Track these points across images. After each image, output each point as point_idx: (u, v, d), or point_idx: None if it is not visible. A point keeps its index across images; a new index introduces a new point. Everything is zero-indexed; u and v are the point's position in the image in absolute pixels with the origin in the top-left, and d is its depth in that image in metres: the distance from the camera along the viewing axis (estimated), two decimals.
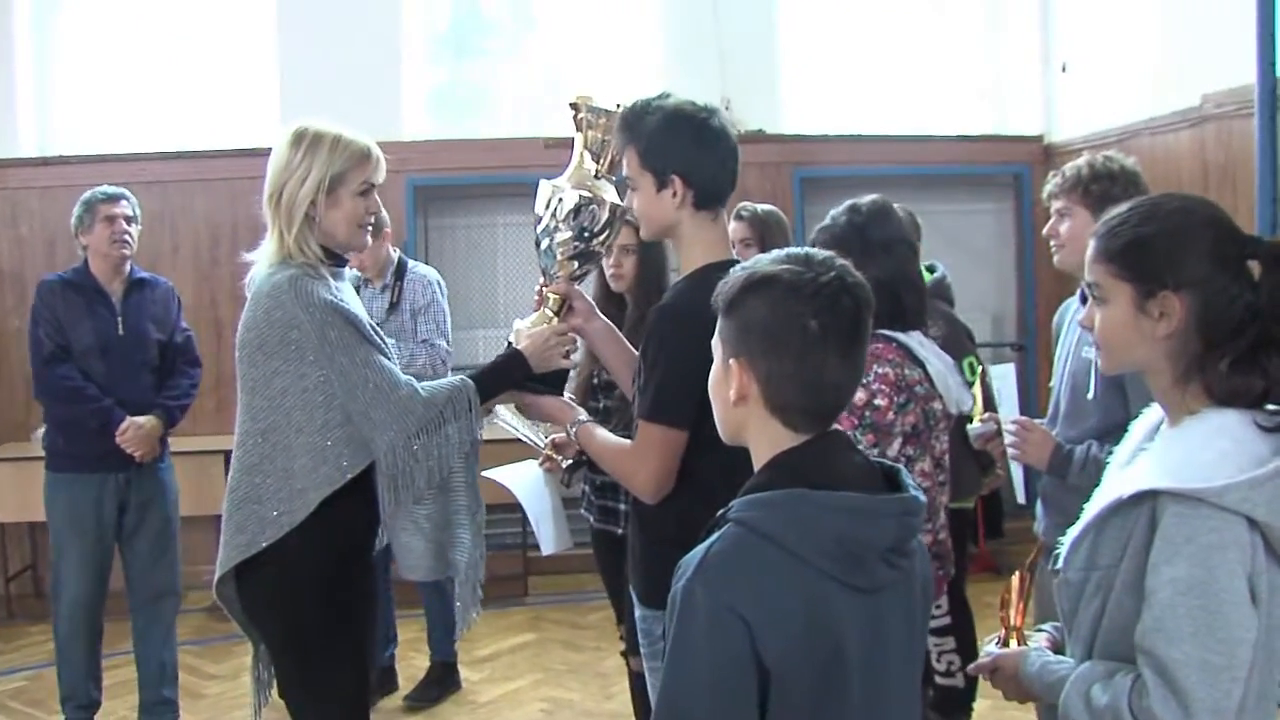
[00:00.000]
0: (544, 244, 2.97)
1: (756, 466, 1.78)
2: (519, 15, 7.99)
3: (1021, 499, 3.49)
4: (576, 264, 2.98)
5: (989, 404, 3.41)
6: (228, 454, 6.77)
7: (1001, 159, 7.81)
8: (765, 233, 4.56)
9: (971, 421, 3.37)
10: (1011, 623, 2.16)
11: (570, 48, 7.76)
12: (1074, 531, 1.90)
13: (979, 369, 4.19)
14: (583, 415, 2.87)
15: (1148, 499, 1.77)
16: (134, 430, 4.65)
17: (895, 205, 4.46)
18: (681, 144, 2.63)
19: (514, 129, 7.56)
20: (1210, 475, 1.72)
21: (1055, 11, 7.62)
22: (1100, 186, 3.14)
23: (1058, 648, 2.06)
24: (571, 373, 3.10)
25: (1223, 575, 1.69)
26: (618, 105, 2.81)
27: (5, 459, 6.63)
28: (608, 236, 3.00)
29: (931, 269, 4.56)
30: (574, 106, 2.98)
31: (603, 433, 2.79)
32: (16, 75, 7.35)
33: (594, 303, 4.14)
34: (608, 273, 4.07)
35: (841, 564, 1.64)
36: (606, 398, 4.01)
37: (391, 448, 2.82)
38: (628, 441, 2.67)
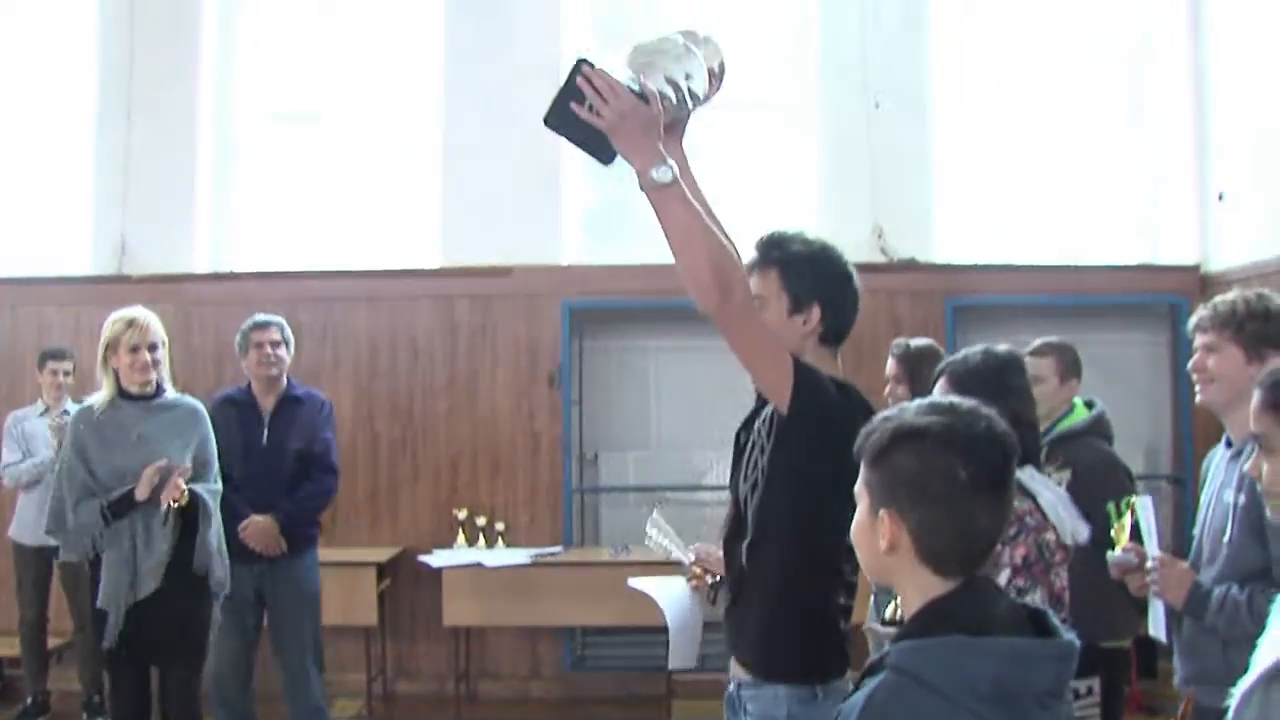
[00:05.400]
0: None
1: (906, 613, 1.79)
2: None
3: (1162, 636, 3.36)
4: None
5: (1135, 537, 3.34)
6: (379, 566, 6.94)
7: (1157, 289, 7.65)
8: (915, 369, 4.51)
9: (1113, 549, 3.31)
10: None
11: (724, 179, 7.87)
12: (1245, 684, 1.81)
13: (1130, 502, 4.10)
14: None
15: None
16: (253, 527, 5.30)
17: (1061, 339, 4.56)
18: (831, 276, 2.75)
19: (666, 255, 7.60)
20: None
21: (1212, 139, 7.48)
22: (1255, 326, 3.08)
23: None
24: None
25: None
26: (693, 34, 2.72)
27: None
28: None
29: (1090, 404, 4.52)
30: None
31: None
32: (197, 196, 7.75)
33: None
34: None
35: (999, 710, 1.62)
36: None
37: None
38: None
